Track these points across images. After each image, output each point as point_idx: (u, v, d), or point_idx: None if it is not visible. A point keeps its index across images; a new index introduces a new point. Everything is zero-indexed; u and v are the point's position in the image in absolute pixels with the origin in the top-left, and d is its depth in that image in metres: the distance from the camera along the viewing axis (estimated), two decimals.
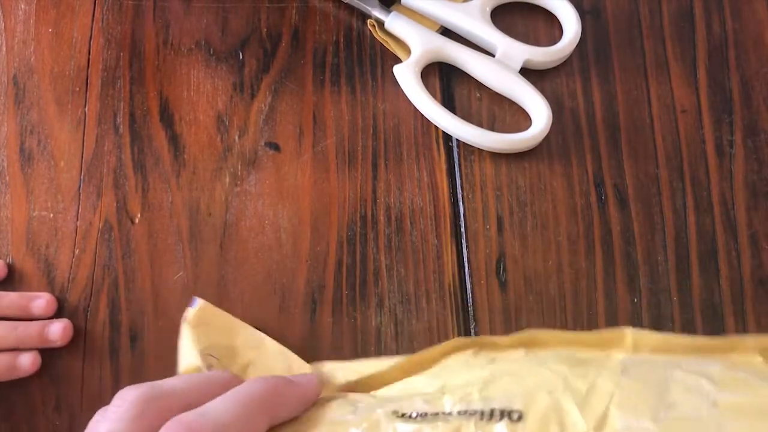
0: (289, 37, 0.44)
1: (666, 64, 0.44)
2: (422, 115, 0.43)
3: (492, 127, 0.42)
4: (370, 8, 0.44)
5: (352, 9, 0.45)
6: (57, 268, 0.40)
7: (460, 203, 0.41)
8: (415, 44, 0.43)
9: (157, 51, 0.44)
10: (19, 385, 0.38)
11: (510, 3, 0.45)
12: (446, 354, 0.33)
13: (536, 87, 0.42)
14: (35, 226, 0.41)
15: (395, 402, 0.30)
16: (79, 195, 0.42)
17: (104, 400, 0.35)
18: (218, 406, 0.28)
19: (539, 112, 0.42)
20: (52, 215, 0.41)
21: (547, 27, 0.45)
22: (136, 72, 0.44)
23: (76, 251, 0.41)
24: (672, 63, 0.44)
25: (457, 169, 0.42)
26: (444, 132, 0.42)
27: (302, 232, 0.41)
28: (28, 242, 0.41)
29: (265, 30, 0.45)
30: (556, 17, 0.45)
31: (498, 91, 0.43)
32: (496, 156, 0.42)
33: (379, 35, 0.44)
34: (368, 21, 0.44)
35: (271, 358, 0.37)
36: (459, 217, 0.41)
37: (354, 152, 0.42)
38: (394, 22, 0.43)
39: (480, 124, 0.42)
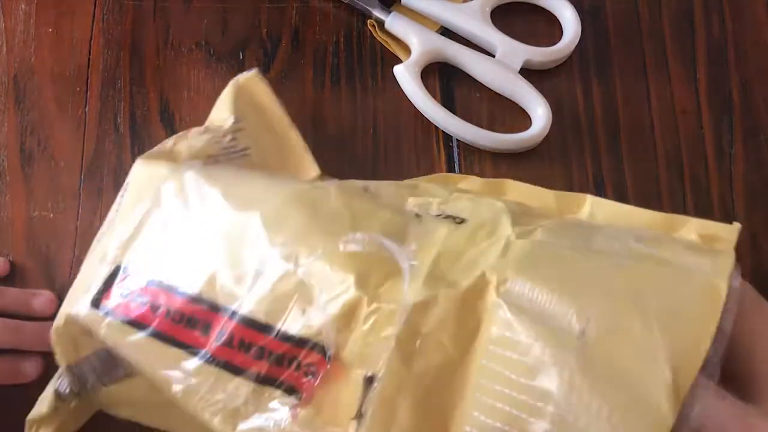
0: (289, 38, 0.44)
1: (666, 65, 0.44)
2: (422, 115, 0.43)
3: (492, 128, 0.42)
4: (370, 8, 0.44)
5: (352, 9, 0.45)
6: (57, 268, 0.40)
7: None
8: (415, 44, 0.43)
9: (158, 51, 0.44)
10: (18, 385, 0.38)
11: (510, 3, 0.45)
12: (432, 180, 0.38)
13: (536, 87, 0.42)
14: (35, 227, 0.41)
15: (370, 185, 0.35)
16: (80, 195, 0.42)
17: None
18: None
19: (539, 112, 0.42)
20: (52, 215, 0.41)
21: (547, 27, 0.45)
22: (137, 72, 0.44)
23: (76, 252, 0.41)
24: (672, 63, 0.44)
25: (457, 169, 0.42)
26: (444, 132, 0.42)
27: None
28: (28, 242, 0.41)
29: (266, 30, 0.45)
30: (555, 17, 0.45)
31: (498, 92, 0.43)
32: (497, 156, 0.42)
33: (379, 35, 0.44)
34: (368, 21, 0.44)
35: (288, 150, 0.39)
36: None
37: (354, 152, 0.42)
38: (394, 22, 0.43)
39: (480, 125, 0.42)
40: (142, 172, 0.36)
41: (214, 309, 0.31)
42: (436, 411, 0.28)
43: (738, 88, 0.44)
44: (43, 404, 0.34)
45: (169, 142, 0.37)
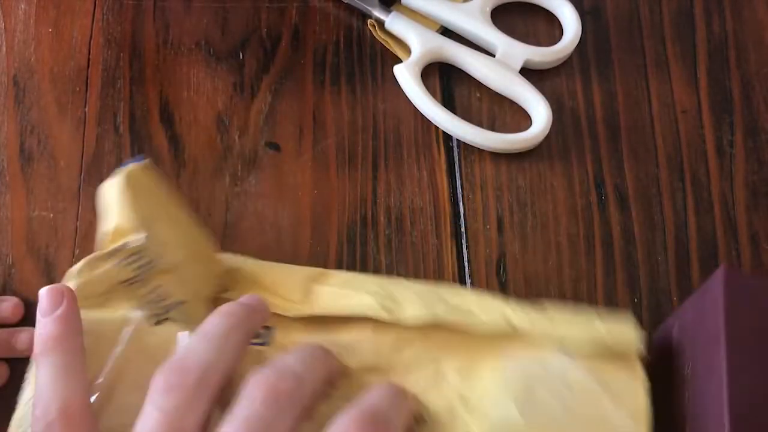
0: (289, 37, 0.44)
1: (666, 64, 0.44)
2: (422, 115, 0.43)
3: (492, 127, 0.42)
4: (370, 8, 0.44)
5: (352, 9, 0.45)
6: (57, 268, 0.40)
7: (460, 203, 0.41)
8: (415, 44, 0.43)
9: (157, 51, 0.44)
10: (18, 386, 0.38)
11: (510, 3, 0.45)
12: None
13: (536, 87, 0.42)
14: (35, 227, 0.41)
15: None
16: (80, 195, 0.42)
17: None
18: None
19: (539, 111, 0.42)
20: (52, 215, 0.41)
21: (548, 27, 0.45)
22: (136, 72, 0.44)
23: (77, 251, 0.41)
24: (672, 63, 0.44)
25: (457, 169, 0.42)
26: (444, 132, 0.42)
27: (302, 232, 0.41)
28: (28, 242, 0.41)
29: (266, 30, 0.45)
30: (556, 17, 0.45)
31: (498, 91, 0.43)
32: (497, 156, 0.42)
33: (379, 35, 0.44)
34: (368, 21, 0.44)
35: (192, 239, 0.37)
36: (459, 217, 0.41)
37: (354, 152, 0.42)
38: (394, 22, 0.43)
39: (480, 124, 0.42)
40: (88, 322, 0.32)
41: None
42: None
43: (738, 88, 0.44)
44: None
45: (74, 278, 0.34)
